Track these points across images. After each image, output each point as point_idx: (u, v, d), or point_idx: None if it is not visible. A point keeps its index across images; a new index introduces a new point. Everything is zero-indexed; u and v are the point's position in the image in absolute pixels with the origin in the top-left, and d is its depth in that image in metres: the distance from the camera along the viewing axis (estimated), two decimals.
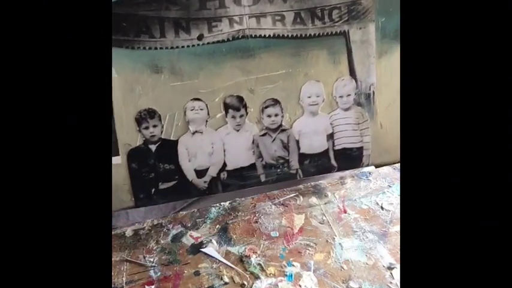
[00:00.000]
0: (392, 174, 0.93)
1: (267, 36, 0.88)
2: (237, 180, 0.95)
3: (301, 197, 0.86)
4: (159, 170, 0.90)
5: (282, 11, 0.88)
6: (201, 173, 0.93)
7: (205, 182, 0.93)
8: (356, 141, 0.99)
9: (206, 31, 0.85)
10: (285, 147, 0.96)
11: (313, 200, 0.86)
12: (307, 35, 0.90)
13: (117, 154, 0.87)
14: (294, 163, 0.97)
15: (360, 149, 1.00)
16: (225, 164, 0.94)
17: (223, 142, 0.92)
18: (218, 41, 0.86)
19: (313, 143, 0.97)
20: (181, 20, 0.83)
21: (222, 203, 0.86)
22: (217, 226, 0.79)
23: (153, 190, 0.91)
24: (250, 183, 0.96)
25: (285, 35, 0.89)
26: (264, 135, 0.94)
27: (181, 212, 0.85)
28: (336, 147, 0.99)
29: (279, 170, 0.97)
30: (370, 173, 0.94)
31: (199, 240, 0.76)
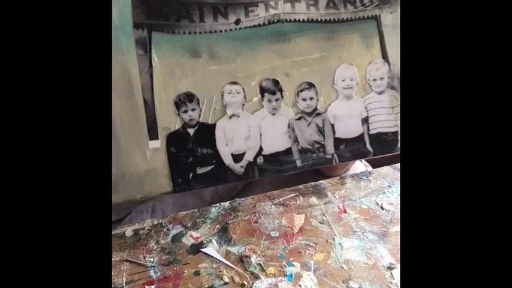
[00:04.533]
0: (392, 174, 0.93)
1: (301, 20, 0.90)
2: (273, 165, 0.95)
3: (301, 197, 0.86)
4: (197, 154, 0.91)
5: None
6: (237, 158, 0.93)
7: (241, 166, 0.94)
8: (391, 125, 0.99)
9: (243, 16, 0.88)
10: (321, 131, 0.96)
11: (313, 200, 0.85)
12: (340, 19, 0.92)
13: (157, 138, 0.89)
14: (330, 148, 0.97)
15: (395, 133, 0.99)
16: (261, 149, 0.94)
17: (259, 126, 0.93)
18: (254, 26, 0.89)
19: (348, 127, 0.97)
20: (220, 5, 0.87)
21: (222, 203, 0.86)
22: (217, 226, 0.79)
23: (191, 175, 0.92)
24: (286, 168, 0.95)
25: (319, 19, 0.91)
26: (299, 119, 0.95)
27: (181, 212, 0.84)
28: (371, 132, 0.98)
29: (314, 155, 0.97)
30: (370, 173, 0.94)
31: (199, 240, 0.76)
